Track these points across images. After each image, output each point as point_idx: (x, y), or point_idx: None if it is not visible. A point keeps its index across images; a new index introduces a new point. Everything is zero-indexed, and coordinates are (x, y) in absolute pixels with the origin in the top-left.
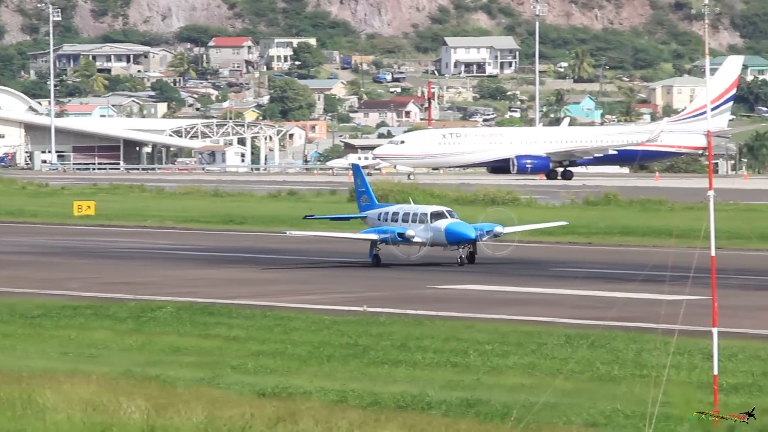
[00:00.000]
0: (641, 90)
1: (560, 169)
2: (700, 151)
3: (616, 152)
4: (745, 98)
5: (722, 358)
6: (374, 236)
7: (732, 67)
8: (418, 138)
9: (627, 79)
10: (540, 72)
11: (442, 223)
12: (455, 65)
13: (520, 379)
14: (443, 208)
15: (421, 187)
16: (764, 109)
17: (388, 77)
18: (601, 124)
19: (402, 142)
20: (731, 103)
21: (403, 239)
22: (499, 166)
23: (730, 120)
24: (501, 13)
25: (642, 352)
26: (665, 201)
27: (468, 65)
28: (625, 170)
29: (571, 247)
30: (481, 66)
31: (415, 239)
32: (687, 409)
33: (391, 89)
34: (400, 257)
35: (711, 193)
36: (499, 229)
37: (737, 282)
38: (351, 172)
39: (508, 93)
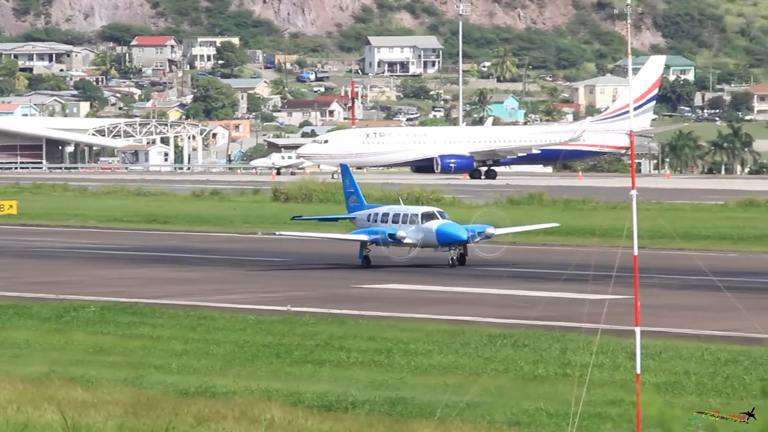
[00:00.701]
0: (564, 89)
1: (484, 169)
2: (623, 151)
3: (539, 152)
4: (668, 98)
5: (645, 357)
6: (364, 237)
7: (654, 67)
8: (342, 137)
9: (550, 79)
10: (463, 71)
11: (433, 224)
12: (379, 64)
13: (444, 379)
14: (434, 209)
15: None
16: (686, 108)
17: (312, 76)
18: (525, 123)
19: (326, 141)
20: (654, 102)
21: (394, 240)
22: (423, 166)
23: (652, 120)
24: (424, 13)
25: (565, 351)
26: (588, 200)
27: (391, 64)
28: (549, 170)
29: (493, 246)
30: (404, 65)
31: (406, 240)
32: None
33: (315, 88)
34: (393, 258)
35: (634, 192)
36: (490, 230)
37: (660, 281)
38: (339, 171)
39: (432, 92)
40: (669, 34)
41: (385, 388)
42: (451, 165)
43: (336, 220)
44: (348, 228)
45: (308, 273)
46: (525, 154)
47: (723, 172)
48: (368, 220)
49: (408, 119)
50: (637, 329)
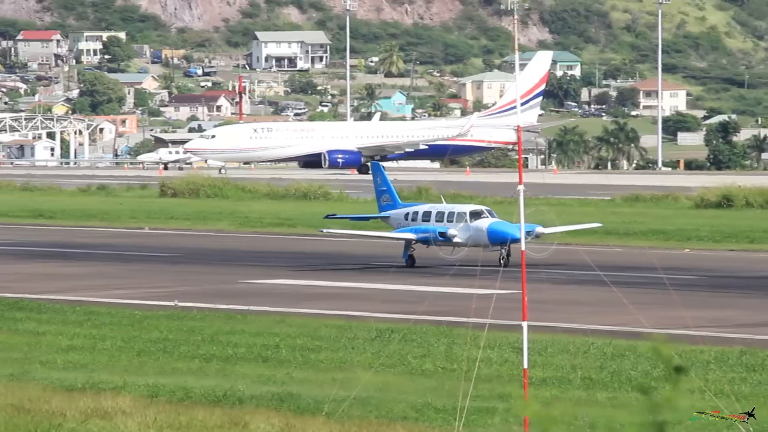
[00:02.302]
0: (451, 85)
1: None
2: (510, 146)
3: (427, 147)
4: (555, 93)
5: (532, 352)
6: (411, 236)
7: (541, 63)
8: (230, 132)
9: (437, 74)
10: (351, 67)
11: (483, 223)
12: (266, 59)
13: (332, 374)
14: (482, 207)
15: (233, 182)
16: (573, 104)
17: (199, 71)
18: (412, 118)
19: (213, 136)
20: (541, 98)
21: (445, 239)
22: (311, 161)
23: (539, 115)
24: (312, 8)
25: (453, 346)
26: (475, 196)
27: (279, 60)
28: (436, 165)
29: (382, 241)
30: (292, 60)
31: (456, 239)
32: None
33: (202, 83)
34: (446, 258)
35: (521, 187)
36: (540, 229)
37: (547, 276)
38: (370, 171)
39: (320, 87)
40: (556, 29)
41: (272, 384)
42: (338, 160)
43: (368, 219)
44: (382, 228)
45: (196, 268)
46: (413, 150)
47: (609, 167)
48: (406, 219)
49: (296, 114)
50: (524, 324)
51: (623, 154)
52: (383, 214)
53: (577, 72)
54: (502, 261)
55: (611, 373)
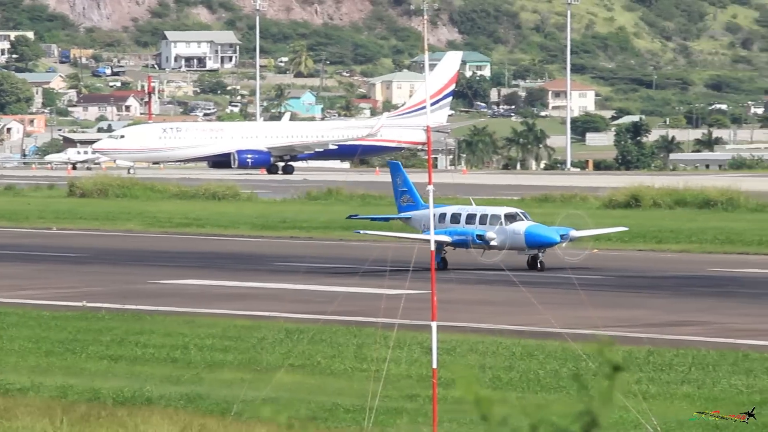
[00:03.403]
0: (361, 85)
1: (281, 164)
2: (420, 146)
3: (336, 147)
4: (464, 94)
5: (441, 352)
6: (445, 238)
7: (451, 63)
8: (139, 132)
9: (347, 74)
10: (261, 67)
11: (519, 226)
12: (175, 59)
13: (241, 374)
14: (517, 210)
15: (141, 182)
16: (482, 104)
17: (108, 71)
18: (322, 119)
19: (122, 136)
20: (450, 98)
21: (483, 242)
22: (220, 161)
23: (449, 115)
24: (221, 8)
25: (362, 346)
26: (385, 195)
27: (188, 59)
28: (346, 165)
29: (292, 241)
30: (201, 60)
31: (492, 243)
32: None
33: (111, 83)
34: (487, 262)
35: (430, 187)
36: (574, 233)
37: (456, 276)
38: (387, 170)
39: (229, 87)
40: (465, 30)
41: (181, 384)
42: (248, 160)
43: (388, 220)
44: (403, 230)
45: (104, 268)
46: (322, 150)
47: (518, 167)
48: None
49: (205, 114)
50: (434, 324)
51: (532, 155)
52: (404, 215)
53: (486, 72)
54: (539, 265)
55: (520, 372)
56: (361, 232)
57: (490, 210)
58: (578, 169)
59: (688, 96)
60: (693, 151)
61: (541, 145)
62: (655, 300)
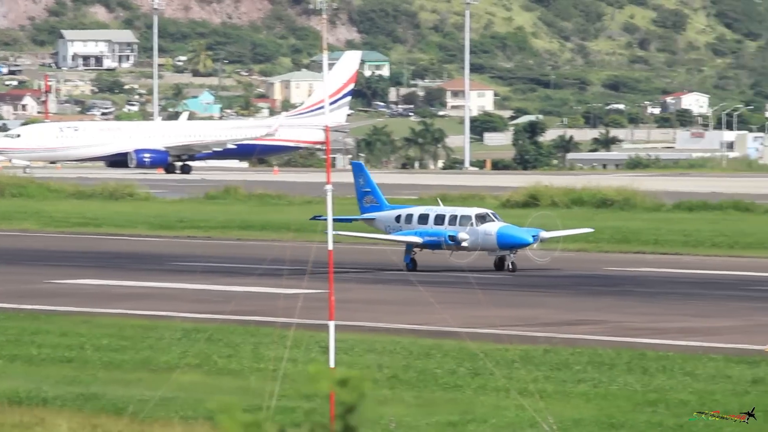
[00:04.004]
0: (260, 84)
1: (179, 164)
2: (318, 146)
3: (235, 146)
4: (363, 93)
5: (339, 352)
6: (416, 239)
7: (350, 62)
8: (35, 131)
9: (246, 74)
10: (159, 66)
11: (491, 227)
12: (73, 58)
13: (137, 374)
14: (487, 210)
15: (38, 181)
16: (381, 104)
17: (5, 70)
18: (220, 118)
19: (18, 135)
20: (349, 98)
21: (455, 243)
22: (118, 160)
23: (348, 115)
24: (119, 7)
25: (260, 345)
26: (283, 195)
27: (86, 58)
28: (245, 164)
29: (189, 241)
30: (99, 59)
31: (464, 243)
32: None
33: (7, 82)
34: (459, 263)
35: (329, 187)
36: (544, 233)
37: (354, 276)
38: (352, 172)
39: (127, 87)
40: (364, 29)
41: (77, 384)
42: (145, 159)
43: (351, 221)
44: (366, 231)
45: (0, 268)
46: (221, 149)
47: (417, 167)
48: (397, 222)
49: (102, 113)
50: (331, 323)
51: (430, 154)
52: (367, 215)
53: (385, 72)
54: (510, 266)
55: (417, 372)
56: (341, 233)
57: (459, 210)
58: (476, 169)
59: (586, 96)
60: (590, 151)
61: (439, 145)
62: (552, 299)
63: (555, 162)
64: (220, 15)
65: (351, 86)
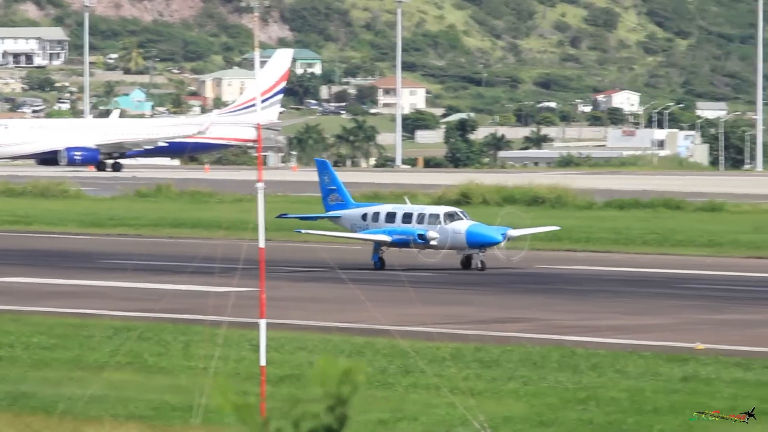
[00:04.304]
0: (191, 82)
1: (110, 161)
2: (250, 144)
3: (166, 144)
4: (295, 91)
5: (270, 349)
6: (384, 237)
7: (282, 60)
8: None
9: (177, 72)
10: (90, 63)
11: (460, 225)
12: (3, 56)
13: (67, 372)
14: (456, 209)
15: None
16: (313, 102)
17: None
18: (152, 116)
19: None
20: (281, 95)
21: (424, 241)
22: (49, 158)
23: (280, 112)
24: (50, 4)
25: (190, 343)
26: (215, 193)
27: (16, 56)
28: (176, 162)
29: (120, 239)
30: (29, 57)
31: (433, 242)
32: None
33: None
34: (427, 261)
35: (260, 185)
36: (511, 232)
37: (285, 273)
38: (316, 169)
39: (58, 84)
40: (296, 27)
41: (6, 383)
42: (76, 157)
43: (316, 219)
44: (329, 229)
45: None
46: (152, 147)
47: (349, 165)
48: (364, 220)
49: (33, 111)
50: (262, 321)
51: (362, 152)
52: (332, 213)
53: (317, 70)
54: (479, 264)
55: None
56: (303, 231)
57: (428, 209)
58: (408, 167)
59: (518, 94)
60: (522, 149)
61: (371, 143)
62: (483, 297)
63: (487, 160)
64: (151, 13)
65: (283, 84)
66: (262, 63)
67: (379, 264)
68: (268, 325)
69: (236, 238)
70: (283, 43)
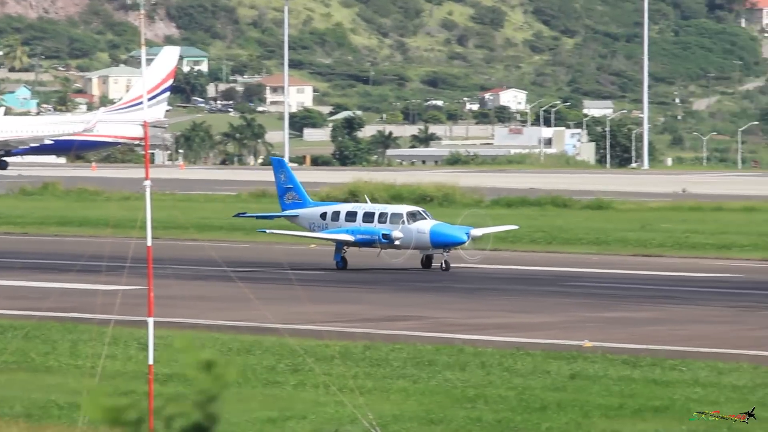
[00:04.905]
0: (77, 80)
1: None
2: (137, 141)
3: (52, 142)
4: (182, 89)
5: (158, 348)
6: (347, 237)
7: (168, 58)
8: None
9: (63, 69)
10: None
11: (424, 225)
12: None
13: None
14: (418, 208)
15: None
16: (200, 99)
17: None
18: (37, 113)
19: None
20: (168, 93)
21: (388, 241)
22: None
23: (167, 110)
24: None
25: (78, 342)
26: (102, 191)
27: None
28: (62, 160)
29: (5, 237)
30: None
31: (397, 242)
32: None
33: None
34: (391, 262)
35: (147, 182)
36: (475, 231)
37: (174, 272)
38: (272, 168)
39: None
40: (183, 25)
41: None
42: None
43: (273, 218)
44: (286, 228)
45: None
46: (38, 145)
47: (236, 162)
48: (323, 219)
49: None
50: (150, 320)
51: (250, 150)
52: (289, 212)
53: (204, 67)
54: (443, 264)
55: (237, 368)
56: (267, 231)
57: (390, 208)
58: (296, 165)
59: (405, 92)
60: (410, 147)
61: (259, 141)
62: (372, 295)
63: (374, 158)
64: (36, 10)
65: (170, 82)
66: (149, 61)
67: (342, 264)
68: (157, 323)
69: (124, 237)
70: (169, 40)
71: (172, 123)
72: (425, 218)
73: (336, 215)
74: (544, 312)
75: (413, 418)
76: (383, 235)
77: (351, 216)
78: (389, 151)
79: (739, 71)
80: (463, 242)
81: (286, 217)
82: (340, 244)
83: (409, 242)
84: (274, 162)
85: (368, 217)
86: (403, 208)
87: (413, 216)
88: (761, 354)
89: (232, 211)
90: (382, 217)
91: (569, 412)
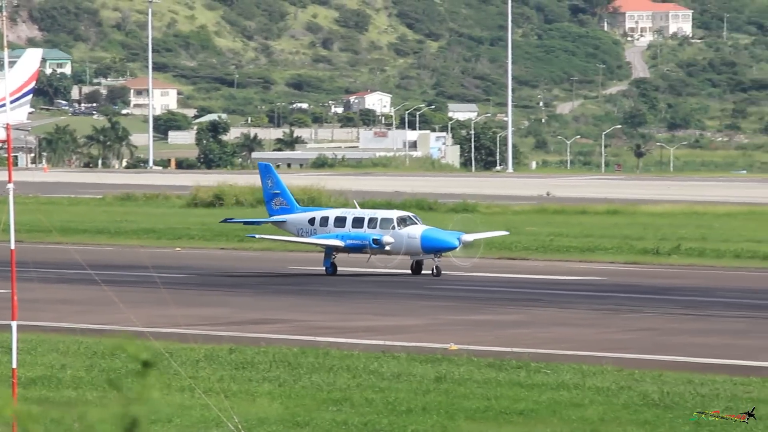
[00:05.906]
0: None
1: None
2: (0, 144)
3: None
4: (45, 91)
5: (21, 352)
6: (337, 242)
7: (31, 60)
8: None
9: None
10: None
11: (414, 230)
12: None
13: None
14: (408, 213)
15: None
16: (64, 102)
17: None
18: None
19: None
20: (31, 96)
21: (379, 246)
22: None
23: (30, 113)
24: None
25: None
26: None
27: None
28: None
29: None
30: None
31: (388, 247)
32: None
33: None
34: (379, 266)
35: (11, 186)
36: (466, 237)
37: (38, 275)
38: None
39: None
40: (45, 27)
41: None
42: None
43: (260, 223)
44: (273, 233)
45: None
46: None
47: (100, 165)
48: (311, 224)
49: None
50: (14, 323)
51: (114, 153)
52: (277, 218)
53: (67, 70)
54: (434, 270)
55: (101, 371)
56: (257, 237)
57: (380, 213)
58: (161, 168)
59: (270, 95)
60: (275, 150)
61: (123, 144)
62: (238, 298)
63: (239, 161)
64: None
65: (32, 84)
66: (11, 63)
67: (331, 269)
68: (20, 327)
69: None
70: (32, 42)
71: (35, 125)
72: (416, 223)
73: (325, 221)
74: (410, 315)
75: (279, 420)
76: (374, 240)
77: (340, 221)
78: (254, 154)
79: (602, 75)
80: (455, 247)
81: (273, 222)
82: (329, 250)
83: (399, 247)
84: (261, 168)
85: (358, 222)
86: (394, 213)
87: (404, 221)
88: (625, 356)
89: (95, 214)
90: (372, 222)
91: (435, 415)
